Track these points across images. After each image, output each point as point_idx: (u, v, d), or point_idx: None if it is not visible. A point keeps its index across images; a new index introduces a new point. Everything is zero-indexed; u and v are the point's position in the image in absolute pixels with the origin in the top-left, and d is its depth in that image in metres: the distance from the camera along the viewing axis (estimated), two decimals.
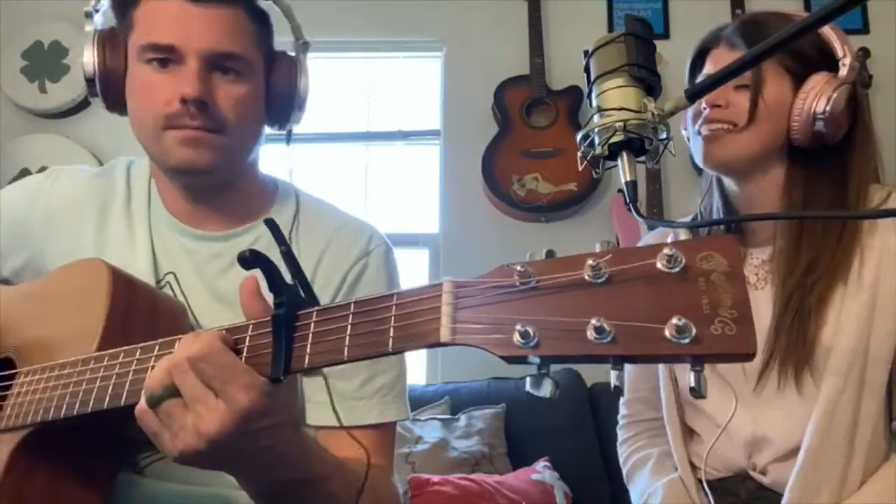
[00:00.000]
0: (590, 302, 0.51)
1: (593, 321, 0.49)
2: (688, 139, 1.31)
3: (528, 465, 2.24)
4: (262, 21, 1.07)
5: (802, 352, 1.14)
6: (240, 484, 0.79)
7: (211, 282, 1.08)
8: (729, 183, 1.27)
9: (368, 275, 1.11)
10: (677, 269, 0.49)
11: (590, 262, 0.51)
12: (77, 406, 0.81)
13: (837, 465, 1.11)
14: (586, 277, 0.51)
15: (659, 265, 0.50)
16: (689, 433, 1.32)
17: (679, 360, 0.49)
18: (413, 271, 3.01)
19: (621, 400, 1.47)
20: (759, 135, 1.17)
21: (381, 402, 1.08)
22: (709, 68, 1.24)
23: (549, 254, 0.56)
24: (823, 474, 1.11)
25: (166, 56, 0.99)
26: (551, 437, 2.33)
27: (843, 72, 1.13)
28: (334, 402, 0.91)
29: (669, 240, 0.51)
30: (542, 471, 2.19)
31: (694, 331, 0.47)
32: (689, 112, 1.25)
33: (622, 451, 1.44)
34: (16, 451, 0.86)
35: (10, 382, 0.93)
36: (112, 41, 1.05)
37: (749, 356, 0.46)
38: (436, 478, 2.07)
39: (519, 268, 0.53)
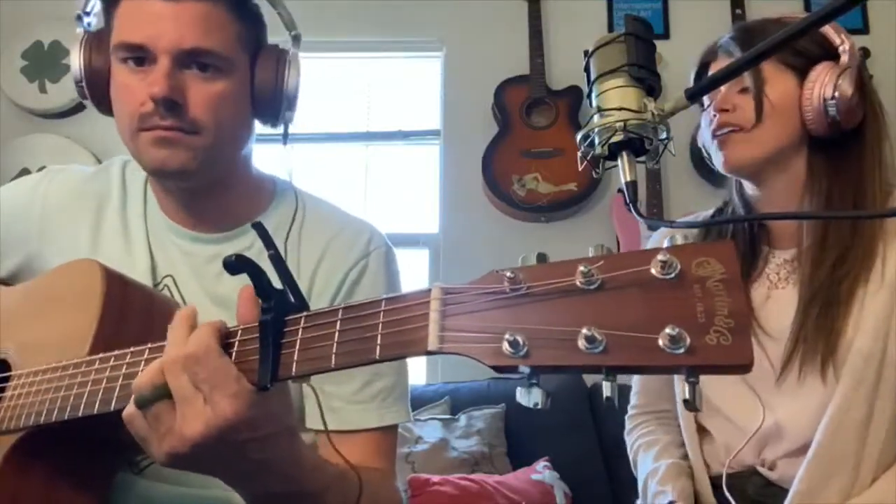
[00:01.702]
0: (581, 310, 0.49)
1: (584, 330, 0.48)
2: (703, 148, 1.30)
3: (528, 465, 2.24)
4: (248, 17, 1.04)
5: (828, 342, 1.13)
6: (236, 491, 0.78)
7: (209, 285, 1.07)
8: (749, 187, 1.28)
9: (368, 276, 1.10)
10: (672, 276, 0.48)
11: (581, 268, 0.49)
12: (68, 410, 0.81)
13: (848, 462, 1.11)
14: (578, 284, 0.50)
15: (653, 271, 0.48)
16: (702, 431, 1.31)
17: (674, 370, 0.47)
18: (413, 271, 3.00)
19: (632, 389, 1.47)
20: (771, 133, 1.18)
21: (381, 406, 1.06)
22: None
23: (541, 257, 0.54)
24: (833, 470, 1.11)
25: (139, 55, 0.97)
26: (551, 437, 2.32)
27: (844, 58, 1.14)
28: (322, 408, 0.90)
29: (665, 244, 0.49)
30: (542, 471, 2.18)
31: (688, 340, 0.45)
32: (703, 122, 1.27)
33: (629, 440, 1.44)
34: (10, 455, 0.86)
35: (4, 385, 0.92)
36: (98, 43, 1.04)
37: (746, 368, 0.44)
38: (436, 478, 2.06)
39: (509, 274, 0.52)
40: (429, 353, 0.54)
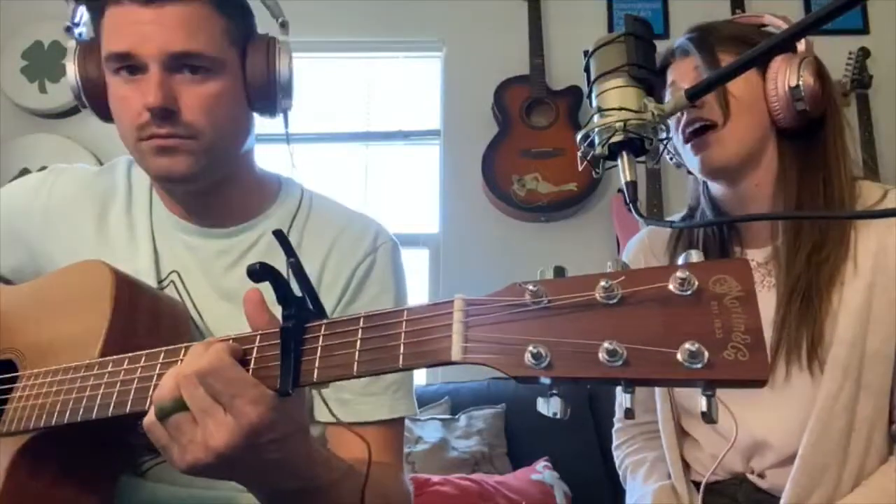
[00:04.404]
0: (602, 324, 0.51)
1: (606, 344, 0.49)
2: (672, 149, 1.29)
3: (528, 465, 2.25)
4: (233, 10, 1.02)
5: (813, 331, 1.13)
6: (248, 490, 0.80)
7: (216, 279, 1.08)
8: (716, 187, 1.26)
9: (377, 271, 1.11)
10: (690, 293, 0.49)
11: (602, 283, 0.51)
12: (81, 412, 0.81)
13: (831, 470, 1.11)
14: (598, 298, 0.51)
15: (671, 287, 0.50)
16: (683, 435, 1.31)
17: (691, 384, 0.49)
18: (413, 271, 3.00)
19: (617, 402, 1.44)
20: (743, 127, 1.16)
21: (392, 399, 1.07)
22: (673, 76, 1.25)
23: (559, 271, 0.55)
24: (816, 480, 1.11)
25: (129, 64, 0.96)
26: (551, 437, 2.33)
27: (801, 47, 1.15)
28: (327, 401, 0.91)
29: (680, 261, 0.51)
30: (542, 471, 2.19)
31: (707, 356, 0.47)
32: (671, 124, 1.24)
33: (618, 455, 1.44)
34: (18, 456, 0.86)
35: (11, 386, 0.92)
36: (90, 53, 1.03)
37: (761, 383, 0.46)
38: (436, 478, 2.07)
39: (531, 287, 0.53)
40: (452, 363, 0.56)
